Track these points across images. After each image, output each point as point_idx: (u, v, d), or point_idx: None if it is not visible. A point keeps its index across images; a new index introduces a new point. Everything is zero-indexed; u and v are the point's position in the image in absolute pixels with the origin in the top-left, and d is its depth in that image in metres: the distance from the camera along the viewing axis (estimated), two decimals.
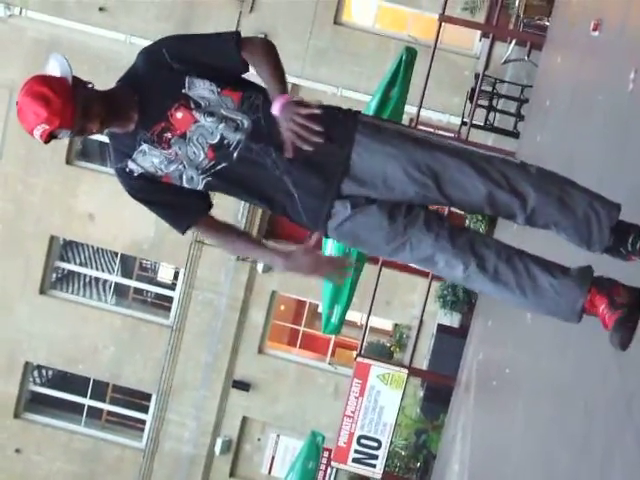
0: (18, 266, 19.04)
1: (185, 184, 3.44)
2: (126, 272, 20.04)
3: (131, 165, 3.43)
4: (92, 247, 19.86)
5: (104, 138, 3.47)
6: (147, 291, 20.47)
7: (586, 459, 3.62)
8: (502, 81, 15.81)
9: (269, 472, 19.63)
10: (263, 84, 3.38)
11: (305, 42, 18.10)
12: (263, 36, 17.77)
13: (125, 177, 3.47)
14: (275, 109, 3.26)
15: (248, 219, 17.85)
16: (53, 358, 19.54)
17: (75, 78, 3.23)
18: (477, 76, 14.68)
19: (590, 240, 3.30)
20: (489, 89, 15.23)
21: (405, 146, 3.34)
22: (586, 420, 3.87)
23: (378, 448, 12.64)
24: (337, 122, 3.35)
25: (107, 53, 18.16)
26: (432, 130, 16.20)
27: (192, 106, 3.34)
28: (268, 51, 3.39)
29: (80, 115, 3.17)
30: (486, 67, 14.36)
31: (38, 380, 20.42)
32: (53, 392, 20.21)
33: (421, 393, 16.48)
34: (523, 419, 5.90)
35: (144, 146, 3.39)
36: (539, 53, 14.04)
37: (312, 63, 18.15)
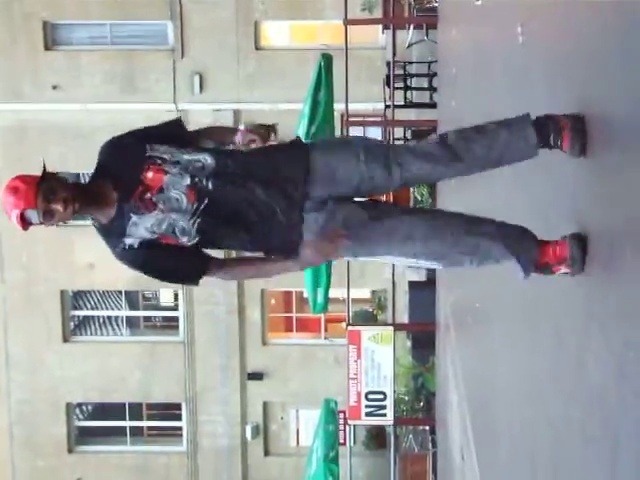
0: (39, 323, 18.89)
1: (180, 237, 3.31)
2: (133, 305, 19.91)
3: (128, 240, 3.31)
4: (99, 291, 19.71)
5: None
6: (155, 317, 20.38)
7: (563, 361, 3.64)
8: (410, 62, 15.85)
9: (297, 443, 19.63)
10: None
11: (235, 72, 18.01)
12: (198, 76, 17.75)
13: (127, 254, 3.34)
14: (238, 137, 3.49)
15: None
16: (89, 394, 19.41)
17: (46, 172, 3.23)
18: (388, 64, 14.71)
19: (523, 154, 3.40)
20: (401, 72, 15.26)
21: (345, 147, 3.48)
22: (555, 330, 3.88)
23: (384, 399, 12.65)
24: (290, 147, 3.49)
25: (69, 123, 18.00)
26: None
27: (158, 162, 3.30)
28: (210, 125, 3.71)
29: (42, 197, 3.15)
30: (394, 54, 14.38)
31: (81, 416, 20.25)
32: (97, 423, 20.08)
33: (409, 343, 16.51)
34: (500, 342, 5.92)
35: (133, 218, 3.28)
36: (435, 31, 14.05)
37: (246, 88, 18.06)
